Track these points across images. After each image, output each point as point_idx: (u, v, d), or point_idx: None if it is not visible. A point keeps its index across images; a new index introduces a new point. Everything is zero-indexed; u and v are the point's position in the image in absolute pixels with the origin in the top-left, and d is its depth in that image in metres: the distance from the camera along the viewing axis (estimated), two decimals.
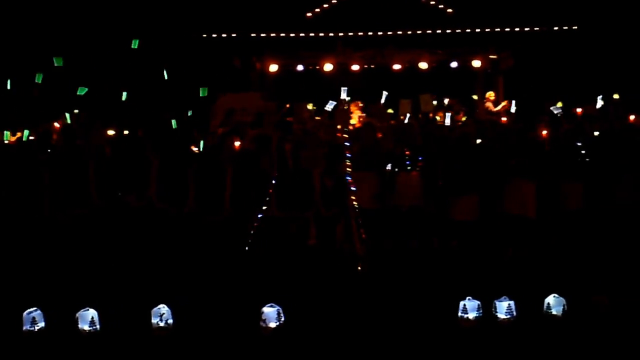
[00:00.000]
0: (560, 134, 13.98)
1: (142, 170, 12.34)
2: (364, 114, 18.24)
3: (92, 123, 14.01)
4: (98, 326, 8.82)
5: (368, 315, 9.37)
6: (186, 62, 20.54)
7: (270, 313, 8.86)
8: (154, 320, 8.91)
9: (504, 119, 17.06)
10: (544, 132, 13.61)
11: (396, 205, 12.62)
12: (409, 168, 12.90)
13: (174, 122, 13.02)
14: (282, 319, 8.86)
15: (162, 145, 12.80)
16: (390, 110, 17.33)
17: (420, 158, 12.96)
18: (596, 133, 13.62)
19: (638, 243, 12.20)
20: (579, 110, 15.49)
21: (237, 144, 12.82)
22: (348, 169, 12.26)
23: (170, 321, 8.94)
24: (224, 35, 19.58)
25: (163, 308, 8.95)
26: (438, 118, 17.41)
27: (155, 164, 12.27)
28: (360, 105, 18.23)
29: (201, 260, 11.50)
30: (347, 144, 12.51)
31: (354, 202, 12.12)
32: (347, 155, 12.38)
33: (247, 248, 11.73)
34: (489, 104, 18.88)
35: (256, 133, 14.04)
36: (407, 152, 13.05)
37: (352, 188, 12.13)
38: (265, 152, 12.74)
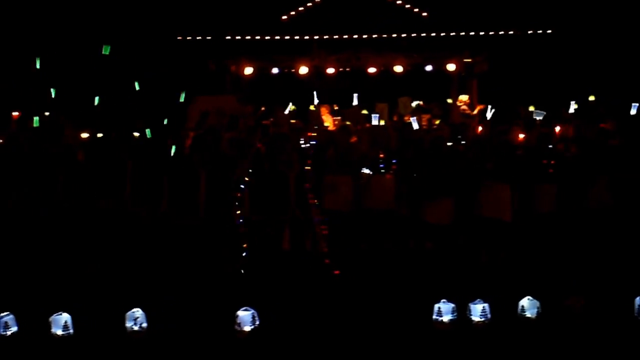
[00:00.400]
0: (535, 138, 14.07)
1: (115, 173, 12.25)
2: (338, 117, 18.25)
3: (62, 126, 13.88)
4: (71, 330, 8.77)
5: (343, 318, 9.37)
6: (161, 65, 20.46)
7: (245, 317, 8.86)
8: (129, 324, 8.88)
9: (479, 124, 17.11)
10: (520, 136, 13.68)
11: (371, 208, 12.62)
12: (382, 171, 12.90)
13: (148, 131, 12.93)
14: (257, 323, 8.85)
15: (136, 148, 12.73)
16: (364, 111, 17.31)
17: (394, 161, 12.97)
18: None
19: (611, 245, 12.29)
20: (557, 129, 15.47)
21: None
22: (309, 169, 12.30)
23: (144, 325, 8.91)
24: (198, 37, 19.51)
25: (137, 312, 8.91)
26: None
27: (129, 166, 12.20)
28: (335, 108, 18.22)
29: (176, 264, 11.44)
30: (313, 142, 12.53)
31: (317, 204, 12.13)
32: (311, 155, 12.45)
33: (244, 254, 11.66)
34: (465, 107, 18.92)
35: (231, 136, 14.00)
36: (381, 155, 13.05)
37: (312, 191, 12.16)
38: (241, 156, 12.70)
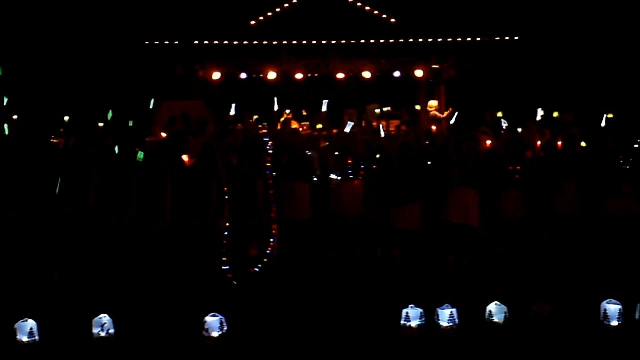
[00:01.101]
0: (501, 144, 14.16)
1: (81, 178, 12.14)
2: (306, 123, 18.29)
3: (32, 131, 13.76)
4: (37, 337, 8.68)
5: (311, 324, 9.36)
6: (128, 70, 20.38)
7: (213, 322, 8.81)
8: (95, 330, 8.80)
9: (448, 130, 17.22)
10: (487, 143, 13.76)
11: (339, 213, 12.62)
12: (351, 177, 12.91)
13: (117, 148, 12.83)
14: (225, 329, 8.81)
15: (102, 154, 12.63)
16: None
17: (362, 167, 12.99)
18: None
19: (578, 251, 12.40)
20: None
21: (185, 158, 12.73)
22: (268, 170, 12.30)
23: (111, 331, 8.83)
24: (166, 42, 19.45)
25: (104, 318, 8.84)
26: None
27: (95, 172, 12.09)
28: (304, 114, 18.25)
29: (143, 269, 11.37)
30: (266, 139, 12.53)
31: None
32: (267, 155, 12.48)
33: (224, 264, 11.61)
34: (435, 113, 19.02)
35: (199, 141, 13.94)
36: (349, 161, 13.06)
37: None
38: (208, 161, 12.64)
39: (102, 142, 13.29)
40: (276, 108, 17.54)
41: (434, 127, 17.38)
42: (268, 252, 11.83)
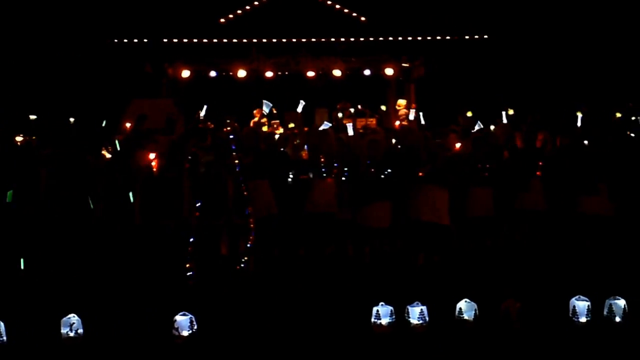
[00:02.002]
0: (470, 142, 14.24)
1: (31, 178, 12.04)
2: (276, 121, 18.26)
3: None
4: (5, 337, 8.61)
5: (282, 322, 9.34)
6: (97, 68, 20.24)
7: (183, 321, 8.78)
8: (64, 330, 8.74)
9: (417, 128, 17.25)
10: (457, 145, 13.83)
11: (312, 212, 12.61)
12: (325, 175, 12.90)
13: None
14: (195, 328, 8.78)
15: (61, 153, 12.53)
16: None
17: (335, 165, 12.99)
18: None
19: (547, 248, 12.48)
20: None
21: (152, 156, 12.66)
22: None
23: (80, 331, 8.78)
24: (135, 40, 19.32)
25: (73, 318, 8.78)
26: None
27: (43, 174, 11.99)
28: (274, 112, 18.22)
29: (113, 269, 11.29)
30: (231, 137, 12.54)
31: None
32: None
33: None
34: (405, 111, 19.06)
35: (167, 140, 13.88)
36: (322, 159, 13.05)
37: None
38: (176, 159, 12.60)
39: (64, 142, 13.18)
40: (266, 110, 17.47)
41: (402, 124, 17.44)
42: (249, 246, 11.77)
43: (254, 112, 18.30)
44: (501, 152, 13.69)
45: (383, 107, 19.99)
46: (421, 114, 17.34)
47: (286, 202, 12.66)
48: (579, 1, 21.61)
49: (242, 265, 11.52)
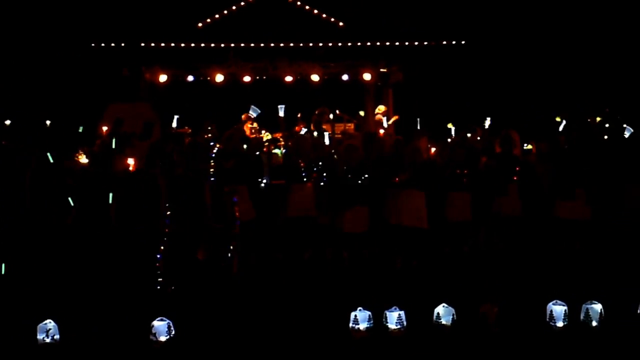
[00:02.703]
0: (449, 146, 14.28)
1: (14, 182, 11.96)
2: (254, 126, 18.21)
3: None
4: None
5: (260, 328, 9.31)
6: (74, 71, 20.14)
7: (161, 327, 8.74)
8: (40, 336, 8.67)
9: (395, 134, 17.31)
10: (426, 143, 13.86)
11: (293, 217, 12.59)
12: (305, 180, 12.88)
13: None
14: (173, 333, 8.74)
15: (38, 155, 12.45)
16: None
17: (315, 169, 12.98)
18: None
19: (524, 252, 12.53)
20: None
21: (130, 161, 12.60)
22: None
23: (56, 337, 8.71)
24: (112, 44, 19.25)
25: (49, 323, 8.71)
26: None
27: (27, 176, 11.91)
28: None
29: (90, 274, 11.21)
30: (211, 143, 12.52)
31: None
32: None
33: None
34: (380, 116, 19.11)
35: (146, 144, 13.81)
36: (301, 164, 13.04)
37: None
38: (154, 164, 12.53)
39: (37, 145, 13.10)
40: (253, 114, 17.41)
41: (380, 131, 17.46)
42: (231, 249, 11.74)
43: (242, 116, 18.22)
44: (479, 158, 13.73)
45: (361, 113, 20.03)
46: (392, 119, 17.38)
47: (263, 207, 12.65)
48: (555, 7, 21.74)
49: (226, 266, 11.49)
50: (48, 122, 15.28)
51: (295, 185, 12.80)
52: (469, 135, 15.65)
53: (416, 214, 12.27)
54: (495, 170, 13.27)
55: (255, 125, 17.74)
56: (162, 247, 11.20)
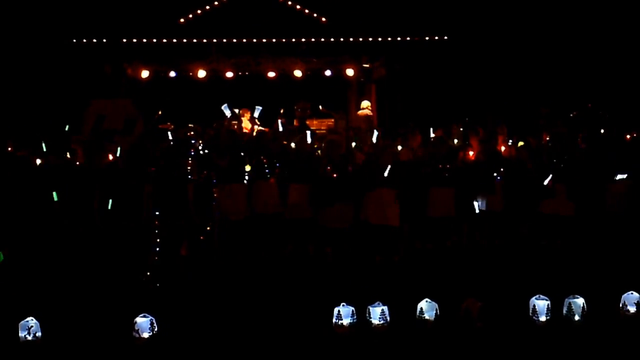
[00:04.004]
0: (430, 142, 14.32)
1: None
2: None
3: None
4: None
5: (243, 323, 9.30)
6: (55, 68, 20.02)
7: (143, 323, 8.70)
8: (22, 334, 8.62)
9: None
10: (415, 142, 13.88)
11: (261, 213, 12.57)
12: (268, 176, 12.83)
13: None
14: (156, 329, 8.70)
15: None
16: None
17: (277, 165, 12.95)
18: None
19: (507, 247, 12.57)
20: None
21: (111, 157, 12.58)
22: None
23: (38, 334, 8.66)
24: (94, 40, 19.17)
25: (31, 321, 8.66)
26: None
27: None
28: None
29: (73, 270, 11.17)
30: (193, 141, 12.48)
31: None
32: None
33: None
34: (362, 112, 19.11)
35: (127, 141, 13.76)
36: (264, 160, 12.97)
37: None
38: (137, 160, 12.50)
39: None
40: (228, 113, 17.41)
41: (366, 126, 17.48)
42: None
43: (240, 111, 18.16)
44: (456, 154, 13.77)
45: (338, 114, 20.02)
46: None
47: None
48: (538, 2, 21.79)
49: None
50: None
51: (257, 182, 12.74)
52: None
53: (384, 212, 12.24)
54: (476, 166, 13.31)
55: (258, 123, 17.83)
56: (145, 244, 11.18)
